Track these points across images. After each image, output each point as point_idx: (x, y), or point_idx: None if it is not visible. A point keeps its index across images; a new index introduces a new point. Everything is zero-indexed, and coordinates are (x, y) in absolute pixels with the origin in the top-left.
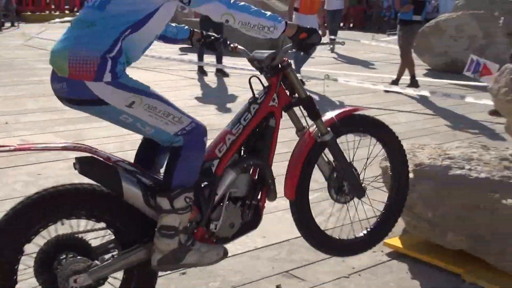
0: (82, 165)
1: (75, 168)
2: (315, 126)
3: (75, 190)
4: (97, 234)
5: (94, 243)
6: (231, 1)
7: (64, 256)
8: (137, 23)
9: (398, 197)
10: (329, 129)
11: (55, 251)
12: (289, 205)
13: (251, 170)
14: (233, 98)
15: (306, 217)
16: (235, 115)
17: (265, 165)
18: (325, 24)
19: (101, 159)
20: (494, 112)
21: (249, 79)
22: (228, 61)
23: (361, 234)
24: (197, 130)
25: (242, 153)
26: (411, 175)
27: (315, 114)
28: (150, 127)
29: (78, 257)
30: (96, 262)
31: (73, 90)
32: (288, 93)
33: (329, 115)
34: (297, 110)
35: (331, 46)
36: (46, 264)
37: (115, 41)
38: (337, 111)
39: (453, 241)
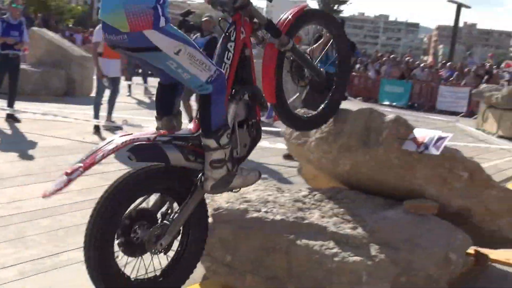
0: (136, 155)
1: (131, 159)
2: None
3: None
4: None
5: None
6: None
7: (137, 226)
8: None
9: (341, 76)
10: (290, 40)
11: (130, 225)
12: (273, 107)
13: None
14: (27, 144)
15: (287, 112)
16: (216, 57)
17: (254, 88)
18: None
19: (145, 142)
20: (288, 156)
21: (219, 21)
22: (19, 106)
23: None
24: (221, 76)
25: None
26: (210, 219)
27: (277, 33)
28: (188, 73)
29: (157, 224)
30: (166, 222)
31: (133, 41)
32: (249, 22)
33: (284, 17)
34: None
35: (129, 91)
36: (127, 238)
37: None
38: (290, 13)
39: (251, 284)
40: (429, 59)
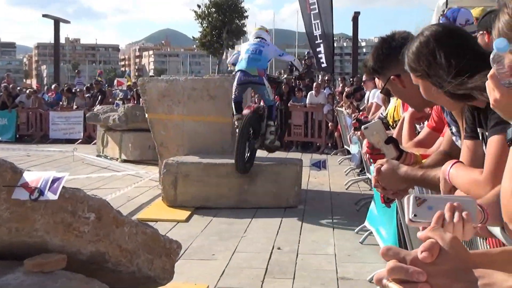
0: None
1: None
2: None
3: None
4: None
5: None
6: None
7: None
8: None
9: None
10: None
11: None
12: None
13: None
14: None
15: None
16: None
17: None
18: None
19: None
20: None
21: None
22: None
23: None
24: (276, 103)
25: None
26: None
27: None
28: (269, 95)
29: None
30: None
31: (256, 79)
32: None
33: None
34: None
35: None
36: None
37: (267, 64)
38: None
39: None
40: (33, 82)
